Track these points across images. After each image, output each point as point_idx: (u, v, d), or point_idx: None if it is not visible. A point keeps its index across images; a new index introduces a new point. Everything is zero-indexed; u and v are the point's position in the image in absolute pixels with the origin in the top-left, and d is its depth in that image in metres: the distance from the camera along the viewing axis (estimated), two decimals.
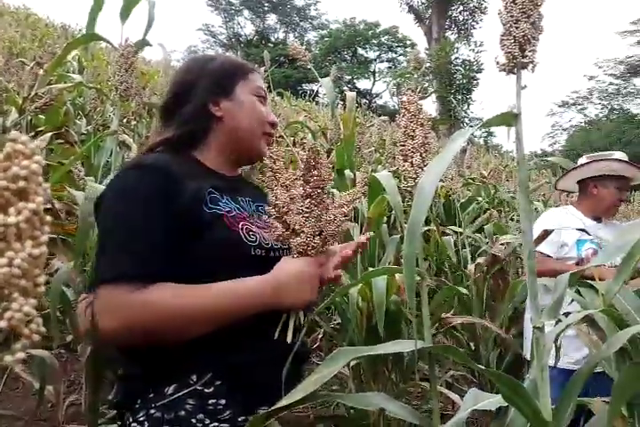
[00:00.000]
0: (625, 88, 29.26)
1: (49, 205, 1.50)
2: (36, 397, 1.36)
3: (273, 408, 0.75)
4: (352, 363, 1.75)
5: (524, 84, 0.85)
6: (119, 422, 0.91)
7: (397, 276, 1.68)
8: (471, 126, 0.84)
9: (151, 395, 0.86)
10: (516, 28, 0.78)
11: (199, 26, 37.34)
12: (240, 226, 0.93)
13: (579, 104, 30.40)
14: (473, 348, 2.16)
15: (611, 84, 29.44)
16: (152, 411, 0.85)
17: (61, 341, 1.71)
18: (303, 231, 0.90)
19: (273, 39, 35.74)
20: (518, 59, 0.79)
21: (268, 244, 0.96)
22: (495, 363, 2.05)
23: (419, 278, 0.98)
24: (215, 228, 0.90)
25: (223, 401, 0.87)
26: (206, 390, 0.86)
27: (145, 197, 0.88)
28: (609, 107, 29.65)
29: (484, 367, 0.83)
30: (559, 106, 30.88)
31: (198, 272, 0.88)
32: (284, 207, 0.94)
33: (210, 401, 0.86)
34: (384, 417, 1.50)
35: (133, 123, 4.76)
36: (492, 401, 0.91)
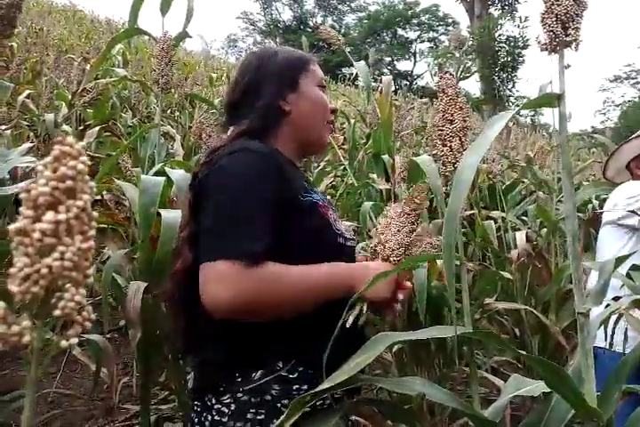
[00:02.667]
0: None
1: (98, 197, 1.57)
2: (93, 378, 1.44)
3: (313, 391, 0.78)
4: (395, 348, 1.76)
5: (567, 62, 0.82)
6: (197, 403, 0.95)
7: (439, 261, 1.67)
8: (517, 106, 0.82)
9: (239, 379, 0.90)
10: (558, 4, 0.74)
11: (238, 14, 37.40)
12: (329, 215, 0.99)
13: (632, 78, 28.85)
14: (518, 333, 2.13)
15: None
16: (239, 395, 0.90)
17: (114, 325, 1.80)
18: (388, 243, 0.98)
19: (311, 24, 35.43)
20: (560, 37, 0.75)
21: (344, 235, 1.02)
22: (537, 349, 2.01)
23: (458, 264, 0.98)
24: (313, 215, 0.97)
25: (305, 387, 0.91)
26: (290, 376, 0.91)
27: (257, 178, 0.93)
28: None
29: (524, 353, 0.82)
30: (611, 81, 29.42)
31: (293, 256, 0.91)
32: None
33: (294, 387, 0.91)
34: (426, 402, 1.51)
35: (177, 114, 4.87)
36: (535, 387, 0.91)
